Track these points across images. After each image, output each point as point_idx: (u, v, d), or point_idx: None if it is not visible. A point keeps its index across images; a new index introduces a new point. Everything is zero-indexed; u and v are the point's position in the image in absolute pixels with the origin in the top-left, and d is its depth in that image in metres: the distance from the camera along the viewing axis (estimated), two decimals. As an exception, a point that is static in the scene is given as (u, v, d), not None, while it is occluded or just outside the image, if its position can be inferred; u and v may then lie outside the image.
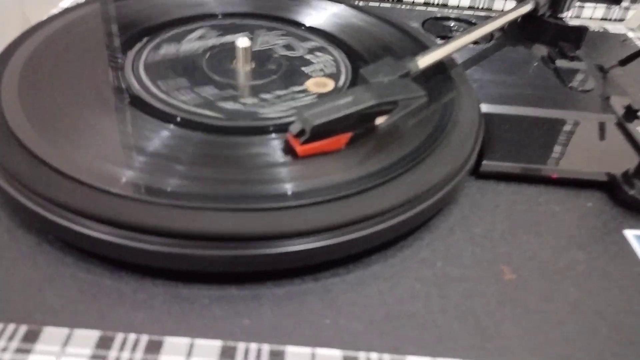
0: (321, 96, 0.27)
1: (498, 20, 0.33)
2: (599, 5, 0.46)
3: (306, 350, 0.18)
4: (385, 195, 0.21)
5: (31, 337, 0.18)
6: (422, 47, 0.32)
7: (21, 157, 0.21)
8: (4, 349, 0.17)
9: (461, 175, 0.24)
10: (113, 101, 0.26)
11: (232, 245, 0.19)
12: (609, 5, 0.46)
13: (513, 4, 0.39)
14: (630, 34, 0.45)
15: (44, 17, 0.32)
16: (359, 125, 0.23)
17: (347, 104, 0.22)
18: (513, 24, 0.38)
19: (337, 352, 0.18)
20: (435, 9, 0.44)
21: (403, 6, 0.45)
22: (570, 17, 0.46)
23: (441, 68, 0.30)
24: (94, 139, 0.23)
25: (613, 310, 0.21)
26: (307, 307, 0.20)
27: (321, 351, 0.18)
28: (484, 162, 0.27)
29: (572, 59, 0.36)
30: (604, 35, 0.45)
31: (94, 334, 0.18)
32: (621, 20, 0.47)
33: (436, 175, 0.23)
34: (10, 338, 0.18)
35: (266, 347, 0.18)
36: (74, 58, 0.28)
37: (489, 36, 0.38)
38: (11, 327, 0.18)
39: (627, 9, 0.46)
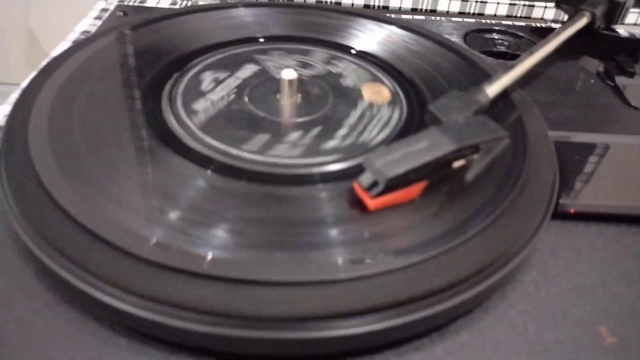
0: (381, 106, 0.24)
1: (557, 38, 0.31)
2: (642, 10, 0.44)
3: None
4: (470, 256, 0.19)
5: None
6: (478, 70, 0.29)
7: (59, 222, 0.19)
8: None
9: (546, 221, 0.22)
10: (154, 149, 0.23)
11: (293, 327, 0.17)
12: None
13: (552, 11, 0.36)
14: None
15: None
16: (435, 173, 0.21)
17: (424, 150, 0.20)
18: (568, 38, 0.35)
19: None
20: (472, 20, 0.42)
21: (438, 17, 0.42)
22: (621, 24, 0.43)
23: (503, 93, 0.27)
24: (132, 196, 0.20)
25: None
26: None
27: None
28: (561, 200, 0.24)
29: (632, 74, 0.33)
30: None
31: None
32: (667, 25, 0.44)
33: (521, 226, 0.21)
34: None
35: None
36: (103, 97, 0.26)
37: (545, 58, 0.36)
38: None
39: (673, 13, 0.44)
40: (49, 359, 0.17)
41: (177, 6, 0.41)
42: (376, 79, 0.29)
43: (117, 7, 0.40)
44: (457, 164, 0.21)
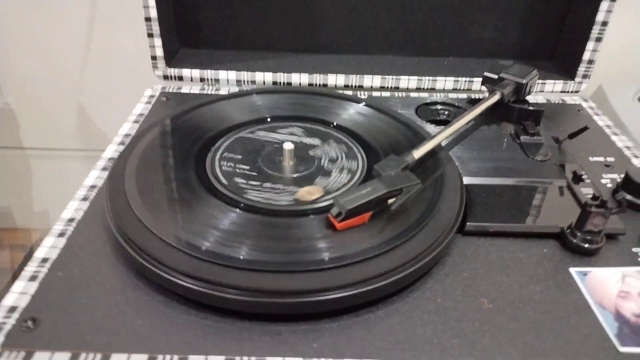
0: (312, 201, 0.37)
1: (473, 111, 0.44)
2: (557, 81, 0.57)
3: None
4: (398, 255, 0.32)
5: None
6: (417, 136, 0.43)
7: (141, 232, 0.32)
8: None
9: (450, 236, 0.34)
10: (200, 194, 0.36)
11: (288, 297, 0.29)
12: (565, 81, 0.58)
13: (483, 85, 0.50)
14: (584, 104, 0.56)
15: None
16: (376, 206, 0.34)
17: (368, 193, 0.33)
18: (487, 109, 0.49)
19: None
20: (425, 94, 0.56)
21: (400, 93, 0.56)
22: (535, 92, 0.57)
23: (431, 152, 0.41)
24: (191, 222, 0.33)
25: (558, 323, 0.31)
26: (354, 334, 0.30)
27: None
28: (468, 223, 0.37)
29: (533, 135, 0.47)
30: (563, 106, 0.56)
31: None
32: (576, 92, 0.58)
33: (432, 237, 0.33)
34: None
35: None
36: (170, 161, 0.39)
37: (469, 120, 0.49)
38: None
39: (580, 82, 0.57)
40: (128, 321, 0.30)
41: (206, 91, 0.56)
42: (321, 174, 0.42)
43: (161, 94, 0.54)
44: (390, 201, 0.34)
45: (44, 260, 0.33)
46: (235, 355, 0.28)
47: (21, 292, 0.31)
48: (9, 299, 0.31)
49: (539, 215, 0.38)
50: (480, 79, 0.51)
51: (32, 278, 0.32)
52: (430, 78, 0.57)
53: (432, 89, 0.57)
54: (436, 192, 0.37)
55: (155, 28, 0.54)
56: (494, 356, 0.29)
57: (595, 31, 0.54)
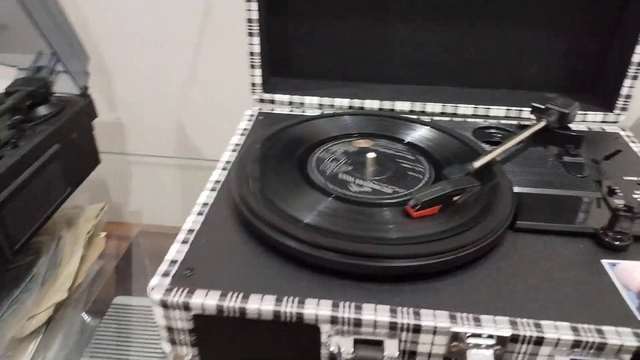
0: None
1: (523, 134, 0.53)
2: (597, 112, 0.66)
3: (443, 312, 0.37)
4: (461, 238, 0.41)
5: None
6: (475, 152, 0.52)
7: (258, 204, 0.43)
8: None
9: (502, 229, 0.43)
10: (303, 187, 0.47)
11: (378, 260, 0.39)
12: (605, 112, 0.66)
13: (532, 116, 0.59)
14: (622, 132, 0.64)
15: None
16: (444, 202, 0.43)
17: (438, 190, 0.43)
18: (534, 133, 0.57)
19: (462, 314, 0.37)
20: (481, 120, 0.65)
21: (458, 119, 0.66)
22: (578, 122, 0.65)
23: (488, 164, 0.50)
24: (297, 203, 0.44)
25: (589, 297, 0.39)
26: (425, 294, 0.39)
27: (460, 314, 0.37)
28: (517, 222, 0.46)
29: (574, 156, 0.55)
30: (602, 133, 0.64)
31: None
32: (615, 122, 0.66)
33: (488, 229, 0.42)
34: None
35: (439, 312, 0.37)
36: (282, 162, 0.50)
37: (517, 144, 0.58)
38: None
39: (618, 114, 0.65)
40: (256, 274, 0.40)
41: (293, 112, 0.67)
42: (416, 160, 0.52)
43: (259, 114, 0.66)
44: (455, 198, 0.44)
45: (190, 231, 0.44)
46: (340, 300, 0.38)
47: (177, 251, 0.42)
48: (170, 255, 0.42)
49: (577, 219, 0.46)
50: (528, 109, 0.60)
51: (184, 242, 0.43)
52: (485, 106, 0.66)
53: (486, 116, 0.67)
54: (492, 195, 0.46)
55: (256, 61, 0.66)
56: (537, 317, 0.37)
57: (632, 70, 0.62)
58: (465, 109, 0.66)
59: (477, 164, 0.47)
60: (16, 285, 0.59)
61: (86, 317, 0.65)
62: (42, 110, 0.64)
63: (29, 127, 0.62)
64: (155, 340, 0.62)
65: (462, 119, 0.66)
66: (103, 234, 0.72)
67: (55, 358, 0.59)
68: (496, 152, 0.50)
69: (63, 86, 0.70)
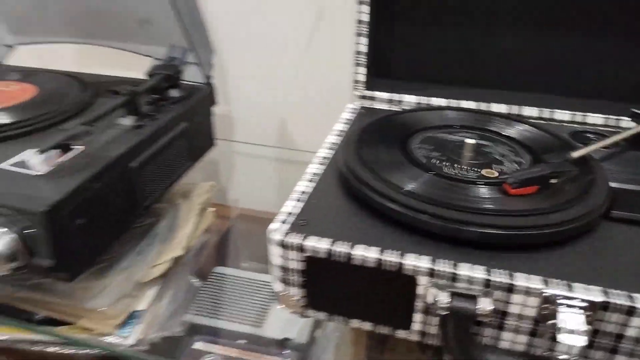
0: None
1: (621, 135, 0.55)
2: None
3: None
4: (558, 216, 0.43)
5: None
6: (573, 148, 0.54)
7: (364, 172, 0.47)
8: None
9: (597, 215, 0.45)
10: (404, 165, 0.51)
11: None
12: None
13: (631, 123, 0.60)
14: None
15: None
16: (542, 182, 0.46)
17: (537, 171, 0.45)
18: (634, 137, 0.58)
19: (555, 280, 0.39)
20: (577, 125, 0.66)
21: (556, 123, 0.67)
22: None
23: (585, 157, 0.52)
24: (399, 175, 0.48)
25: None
26: (519, 261, 0.41)
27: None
28: (612, 212, 0.47)
29: (674, 157, 0.55)
30: None
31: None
32: None
33: (583, 211, 0.44)
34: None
35: (532, 276, 0.40)
36: (382, 143, 0.56)
37: (615, 144, 0.59)
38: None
39: None
40: (360, 230, 0.45)
41: (392, 107, 0.72)
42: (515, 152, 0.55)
43: (361, 108, 0.72)
44: (552, 180, 0.46)
45: (304, 192, 0.50)
46: (439, 258, 0.41)
47: (293, 206, 0.48)
48: (287, 208, 0.48)
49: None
50: (627, 118, 0.61)
51: (298, 200, 0.49)
52: (582, 113, 0.68)
53: (584, 123, 0.68)
54: (588, 184, 0.48)
55: (362, 59, 0.73)
56: (630, 290, 0.39)
57: None
58: (562, 114, 0.68)
59: (577, 153, 0.50)
60: (142, 239, 0.68)
61: (192, 279, 0.74)
62: (175, 93, 0.74)
63: (163, 105, 0.72)
64: (245, 304, 0.69)
65: (558, 124, 0.67)
66: (212, 209, 0.81)
67: (167, 308, 0.67)
68: (596, 145, 0.52)
69: (189, 75, 0.80)
